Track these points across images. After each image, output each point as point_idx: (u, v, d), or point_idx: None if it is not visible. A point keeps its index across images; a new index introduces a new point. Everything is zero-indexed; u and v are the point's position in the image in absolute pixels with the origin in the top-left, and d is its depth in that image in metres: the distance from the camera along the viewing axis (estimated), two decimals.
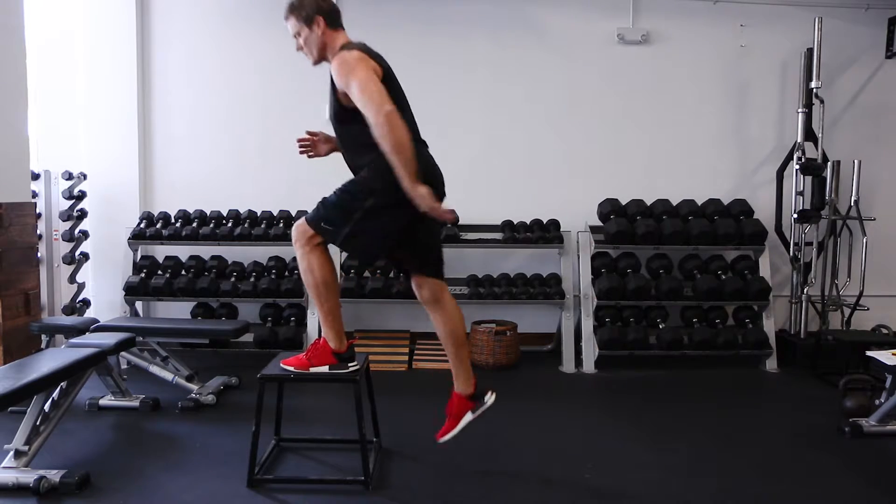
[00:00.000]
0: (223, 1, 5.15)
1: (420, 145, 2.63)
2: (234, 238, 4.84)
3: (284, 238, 4.83)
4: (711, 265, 4.89)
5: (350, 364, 2.78)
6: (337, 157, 5.45)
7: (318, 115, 5.17)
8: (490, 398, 2.83)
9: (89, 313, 4.97)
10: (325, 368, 2.74)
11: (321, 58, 2.69)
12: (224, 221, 4.96)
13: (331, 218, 2.60)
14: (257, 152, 5.22)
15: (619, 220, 4.83)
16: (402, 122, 2.40)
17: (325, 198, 2.65)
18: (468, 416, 2.82)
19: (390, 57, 5.63)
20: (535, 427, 3.52)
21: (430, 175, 2.59)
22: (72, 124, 5.09)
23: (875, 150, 5.25)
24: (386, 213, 2.56)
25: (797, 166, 4.96)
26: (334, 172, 5.40)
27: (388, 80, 2.55)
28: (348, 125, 2.60)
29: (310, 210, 2.69)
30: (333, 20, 2.67)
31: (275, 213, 4.99)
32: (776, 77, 5.27)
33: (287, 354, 2.86)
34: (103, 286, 5.12)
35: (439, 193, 2.61)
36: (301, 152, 3.01)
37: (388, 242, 2.66)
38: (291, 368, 2.75)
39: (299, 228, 2.67)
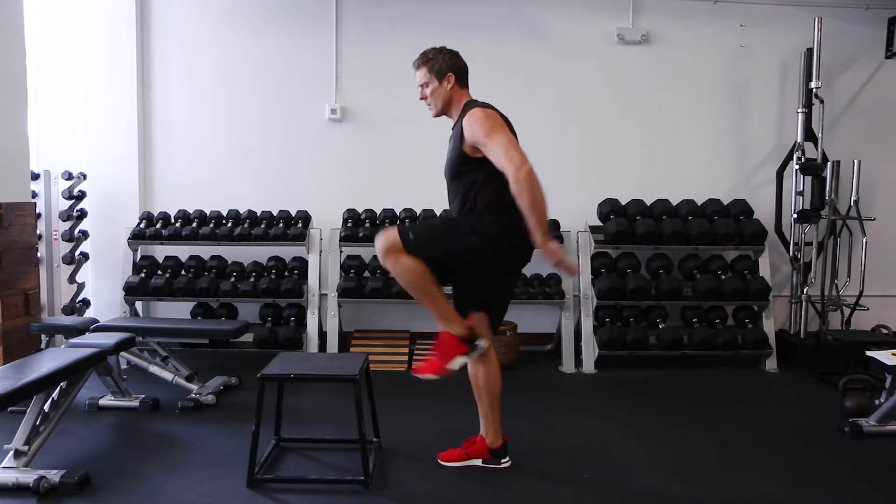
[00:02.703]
0: (223, 1, 5.15)
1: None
2: (233, 238, 4.84)
3: (284, 238, 4.83)
4: (711, 265, 4.89)
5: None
6: (335, 164, 5.46)
7: (317, 115, 5.20)
8: (506, 463, 2.94)
9: (89, 313, 4.97)
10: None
11: (443, 112, 2.79)
12: (224, 221, 4.96)
13: (422, 235, 2.62)
14: (257, 152, 5.22)
15: (619, 220, 4.83)
16: (539, 182, 2.46)
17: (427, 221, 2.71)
18: (478, 461, 2.95)
19: (390, 56, 5.66)
20: (535, 427, 3.52)
21: (521, 239, 2.65)
22: (72, 124, 5.09)
23: (875, 150, 5.25)
24: (477, 251, 2.62)
25: (797, 166, 4.96)
26: (334, 174, 5.43)
27: (513, 135, 2.65)
28: (467, 175, 2.66)
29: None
30: (463, 79, 2.78)
31: (275, 213, 4.99)
32: (776, 77, 5.27)
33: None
34: (103, 286, 5.12)
35: (524, 256, 2.71)
36: None
37: (450, 261, 2.64)
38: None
39: (385, 235, 2.61)
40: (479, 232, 2.62)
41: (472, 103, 2.74)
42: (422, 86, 2.77)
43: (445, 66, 2.73)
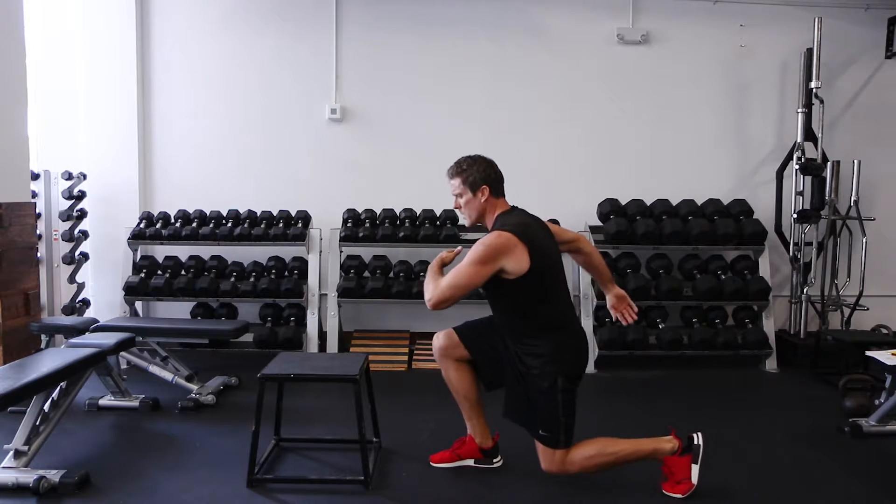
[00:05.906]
0: (223, 1, 5.15)
1: (571, 328, 2.70)
2: (233, 238, 4.84)
3: (284, 238, 4.83)
4: (711, 265, 4.89)
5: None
6: (335, 164, 5.43)
7: (317, 115, 5.20)
8: (498, 462, 2.96)
9: (89, 313, 4.97)
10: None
11: (478, 222, 2.75)
12: (224, 221, 4.96)
13: (546, 423, 2.60)
14: (257, 152, 5.22)
15: (619, 220, 4.83)
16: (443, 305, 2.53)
17: (528, 411, 2.65)
18: (469, 461, 2.96)
19: (391, 56, 5.65)
20: None
21: (578, 356, 2.68)
22: (72, 124, 5.09)
23: (875, 150, 5.25)
24: (569, 389, 2.59)
25: (797, 166, 4.96)
26: (334, 174, 5.43)
27: (538, 257, 2.53)
28: (507, 297, 2.64)
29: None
30: (498, 189, 2.71)
31: (275, 213, 4.99)
32: (776, 77, 5.26)
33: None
34: (103, 286, 5.11)
35: (579, 373, 2.67)
36: None
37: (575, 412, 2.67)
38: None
39: (553, 457, 2.62)
40: (556, 373, 2.57)
41: (502, 217, 2.65)
42: (456, 196, 2.73)
43: (479, 177, 2.65)
